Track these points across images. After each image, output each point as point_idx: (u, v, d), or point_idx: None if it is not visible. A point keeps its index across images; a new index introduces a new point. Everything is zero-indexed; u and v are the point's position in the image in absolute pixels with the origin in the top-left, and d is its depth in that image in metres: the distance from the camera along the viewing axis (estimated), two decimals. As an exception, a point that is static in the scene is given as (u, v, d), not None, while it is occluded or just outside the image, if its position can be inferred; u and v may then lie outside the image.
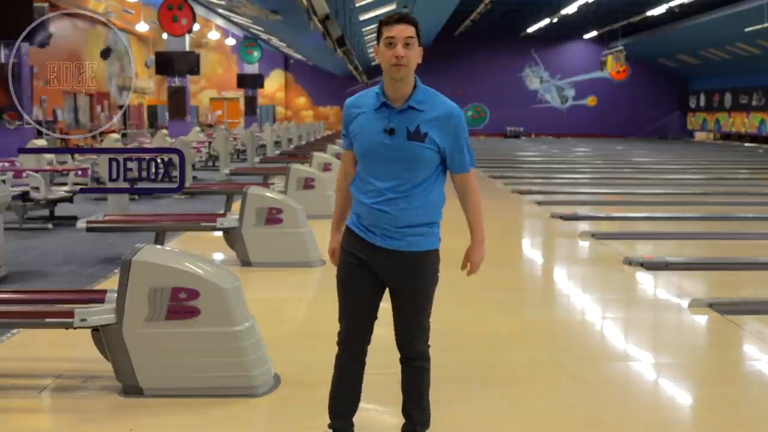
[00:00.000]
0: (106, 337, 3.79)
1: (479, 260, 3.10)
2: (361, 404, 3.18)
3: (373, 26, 22.52)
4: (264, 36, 29.60)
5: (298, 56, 36.01)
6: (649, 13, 28.00)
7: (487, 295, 5.85)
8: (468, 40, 36.65)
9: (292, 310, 5.75)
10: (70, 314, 3.78)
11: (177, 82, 21.37)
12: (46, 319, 3.91)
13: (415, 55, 2.83)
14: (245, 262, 6.89)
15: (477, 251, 3.08)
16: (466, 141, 2.95)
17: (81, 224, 7.02)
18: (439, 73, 37.92)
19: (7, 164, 10.79)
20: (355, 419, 3.18)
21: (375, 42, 2.95)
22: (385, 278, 2.97)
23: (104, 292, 4.10)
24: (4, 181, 8.89)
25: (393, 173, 2.87)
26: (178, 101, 21.47)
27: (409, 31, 2.81)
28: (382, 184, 2.88)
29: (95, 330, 3.81)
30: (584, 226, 9.32)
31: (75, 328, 3.78)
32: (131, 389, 3.81)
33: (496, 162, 20.28)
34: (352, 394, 3.11)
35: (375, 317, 3.05)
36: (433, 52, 36.45)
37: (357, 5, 18.78)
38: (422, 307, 3.02)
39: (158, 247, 4.21)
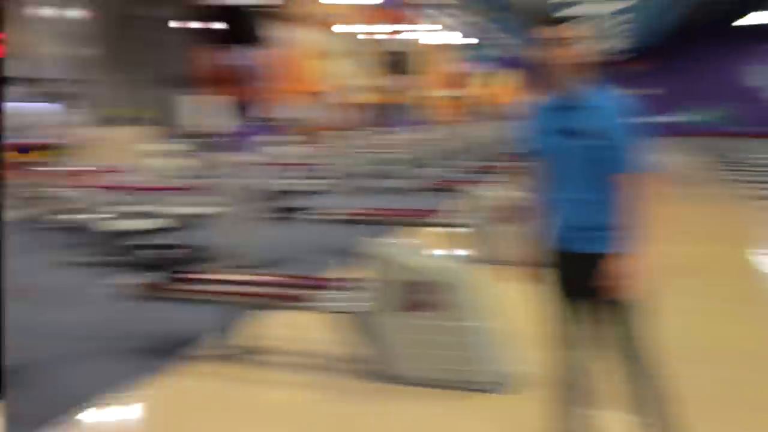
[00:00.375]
0: (358, 324, 4.04)
1: (625, 274, 2.76)
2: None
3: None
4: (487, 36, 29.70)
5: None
6: None
7: (740, 307, 5.41)
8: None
9: (529, 308, 5.69)
10: (323, 299, 4.06)
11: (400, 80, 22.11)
12: (300, 303, 4.26)
13: (578, 54, 2.79)
14: (480, 260, 6.92)
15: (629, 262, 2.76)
16: (635, 137, 2.80)
17: (315, 216, 7.44)
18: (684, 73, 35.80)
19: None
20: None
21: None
22: (585, 283, 2.88)
23: (351, 280, 4.36)
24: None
25: (574, 175, 2.83)
26: (405, 100, 22.24)
27: (567, 31, 2.80)
28: (566, 188, 2.85)
29: (348, 316, 4.06)
30: None
31: (331, 313, 4.08)
32: (381, 375, 4.01)
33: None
34: (581, 393, 3.03)
35: (589, 325, 2.95)
36: (666, 52, 34.60)
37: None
38: (628, 311, 2.86)
39: (405, 240, 4.42)
